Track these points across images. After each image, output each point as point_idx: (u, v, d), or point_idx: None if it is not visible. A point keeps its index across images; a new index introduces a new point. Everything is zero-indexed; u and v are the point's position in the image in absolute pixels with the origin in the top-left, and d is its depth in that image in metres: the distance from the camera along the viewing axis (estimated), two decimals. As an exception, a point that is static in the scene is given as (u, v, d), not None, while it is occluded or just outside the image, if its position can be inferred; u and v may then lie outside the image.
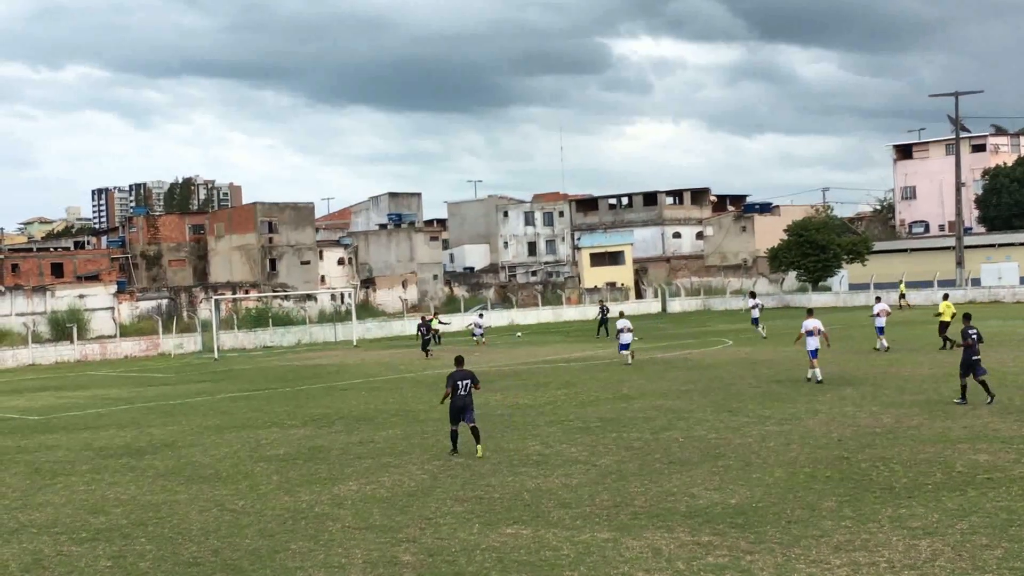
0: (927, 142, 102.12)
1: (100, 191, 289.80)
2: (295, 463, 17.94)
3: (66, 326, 59.76)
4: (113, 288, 73.83)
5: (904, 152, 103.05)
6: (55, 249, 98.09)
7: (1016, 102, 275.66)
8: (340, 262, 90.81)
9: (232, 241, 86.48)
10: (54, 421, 26.53)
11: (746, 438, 17.99)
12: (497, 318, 69.58)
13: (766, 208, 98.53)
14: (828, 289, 76.21)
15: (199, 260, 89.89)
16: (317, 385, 32.95)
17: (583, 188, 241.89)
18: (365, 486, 15.53)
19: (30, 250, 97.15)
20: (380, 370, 37.55)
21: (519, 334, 49.46)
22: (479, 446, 17.62)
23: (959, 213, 74.06)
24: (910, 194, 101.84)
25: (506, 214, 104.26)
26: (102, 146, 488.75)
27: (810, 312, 27.88)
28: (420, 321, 45.80)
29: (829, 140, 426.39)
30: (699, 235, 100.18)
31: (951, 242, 76.13)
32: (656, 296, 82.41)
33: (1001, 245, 77.98)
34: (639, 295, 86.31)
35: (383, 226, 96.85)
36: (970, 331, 20.93)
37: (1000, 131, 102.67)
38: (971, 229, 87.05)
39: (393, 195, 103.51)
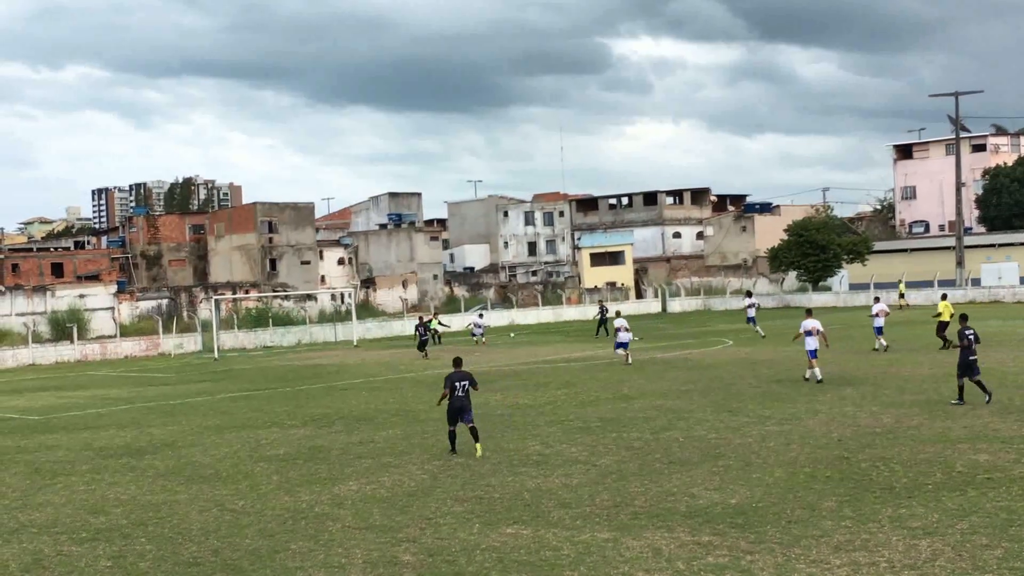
0: (927, 142, 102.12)
1: (100, 191, 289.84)
2: (295, 463, 17.94)
3: (66, 326, 59.77)
4: (113, 288, 73.85)
5: (904, 152, 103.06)
6: (55, 249, 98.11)
7: (1016, 102, 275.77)
8: (340, 262, 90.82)
9: (232, 241, 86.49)
10: (54, 421, 26.53)
11: (746, 438, 17.99)
12: (497, 318, 69.57)
13: (766, 208, 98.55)
14: (828, 289, 76.21)
15: (199, 260, 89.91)
16: (317, 385, 32.95)
17: (583, 188, 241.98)
18: (365, 486, 15.53)
19: (30, 250, 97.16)
20: (380, 370, 37.55)
21: (513, 335, 49.52)
22: (477, 445, 17.62)
23: (959, 213, 74.06)
24: (910, 194, 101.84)
25: (506, 214, 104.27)
26: (102, 146, 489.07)
27: (809, 312, 27.85)
28: (418, 321, 45.84)
29: (829, 140, 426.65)
30: (699, 235, 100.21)
31: (951, 242, 76.13)
32: (656, 296, 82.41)
33: (1001, 245, 77.98)
34: (639, 295, 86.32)
35: (383, 226, 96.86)
36: (967, 332, 20.93)
37: (1000, 131, 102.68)
38: (971, 229, 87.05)
39: (393, 195, 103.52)
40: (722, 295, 79.30)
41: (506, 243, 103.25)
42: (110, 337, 59.12)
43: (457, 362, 18.52)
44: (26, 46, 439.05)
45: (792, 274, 77.76)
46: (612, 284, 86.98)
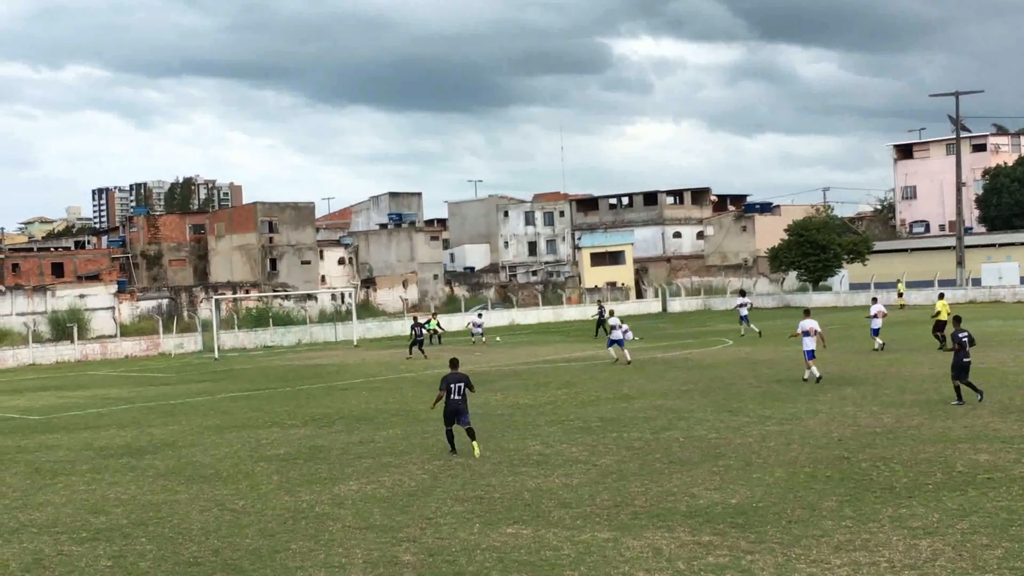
0: (927, 142, 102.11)
1: (100, 191, 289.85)
2: (295, 463, 17.94)
3: (66, 326, 59.79)
4: (113, 288, 73.86)
5: (904, 152, 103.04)
6: (55, 249, 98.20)
7: (1016, 102, 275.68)
8: (340, 262, 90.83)
9: (232, 241, 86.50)
10: (54, 421, 26.53)
11: (746, 438, 17.99)
12: (497, 318, 69.59)
13: (766, 208, 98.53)
14: (828, 289, 76.21)
15: (199, 260, 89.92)
16: (317, 385, 32.95)
17: (583, 188, 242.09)
18: (365, 486, 15.53)
19: (31, 250, 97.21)
20: (380, 370, 37.54)
21: (498, 338, 49.60)
22: (475, 444, 17.63)
23: (959, 213, 74.03)
24: (910, 194, 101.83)
25: (506, 214, 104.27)
26: (102, 146, 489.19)
27: (807, 312, 27.83)
28: (413, 321, 45.91)
29: (829, 140, 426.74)
30: (699, 235, 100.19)
31: (951, 242, 76.10)
32: (656, 296, 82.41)
33: (1001, 245, 77.96)
34: (639, 295, 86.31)
35: (383, 226, 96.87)
36: (960, 334, 20.98)
37: (1001, 131, 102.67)
38: (971, 229, 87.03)
39: (393, 195, 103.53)
40: (722, 295, 79.26)
41: (506, 243, 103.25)
42: (110, 337, 59.13)
43: (453, 363, 18.52)
44: (26, 46, 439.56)
45: (792, 274, 77.74)
46: (612, 284, 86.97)
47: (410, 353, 42.65)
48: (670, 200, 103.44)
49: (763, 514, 12.47)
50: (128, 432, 23.31)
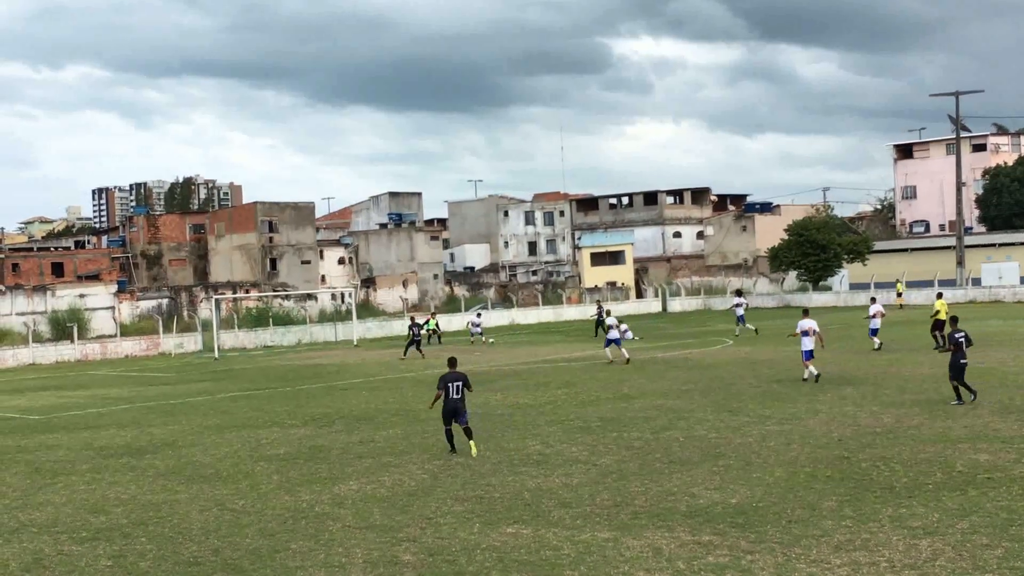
0: (927, 142, 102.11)
1: (100, 191, 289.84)
2: (295, 463, 17.94)
3: (66, 326, 59.78)
4: (113, 288, 73.86)
5: (904, 152, 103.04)
6: (55, 249, 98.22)
7: (1017, 102, 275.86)
8: (340, 262, 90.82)
9: (232, 241, 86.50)
10: (54, 420, 26.53)
11: (746, 438, 17.99)
12: (497, 318, 69.61)
13: (766, 208, 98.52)
14: (828, 289, 76.20)
15: (199, 260, 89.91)
16: (317, 385, 32.95)
17: (583, 188, 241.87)
18: (366, 486, 15.53)
19: (30, 250, 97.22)
20: (380, 370, 37.54)
21: (491, 339, 49.60)
22: (471, 442, 17.68)
23: (959, 213, 74.03)
24: (910, 194, 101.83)
25: (506, 214, 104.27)
26: (102, 146, 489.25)
27: (806, 312, 27.86)
28: (411, 321, 45.93)
29: (829, 140, 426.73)
30: (699, 235, 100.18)
31: (951, 242, 76.10)
32: (656, 296, 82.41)
33: (1001, 245, 77.96)
34: (639, 295, 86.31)
35: (383, 226, 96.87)
36: (957, 335, 21.02)
37: (1002, 130, 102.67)
38: (971, 229, 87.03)
39: (393, 195, 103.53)
40: (722, 295, 79.24)
41: (506, 243, 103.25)
42: (110, 337, 59.13)
43: (452, 362, 18.55)
44: (26, 46, 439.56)
45: (792, 274, 77.74)
46: (612, 284, 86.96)
47: (404, 354, 42.67)
48: (670, 200, 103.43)
49: (763, 514, 12.47)
50: (128, 432, 23.32)
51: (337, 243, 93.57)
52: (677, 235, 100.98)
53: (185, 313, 70.35)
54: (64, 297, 69.22)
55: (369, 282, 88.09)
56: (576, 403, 24.19)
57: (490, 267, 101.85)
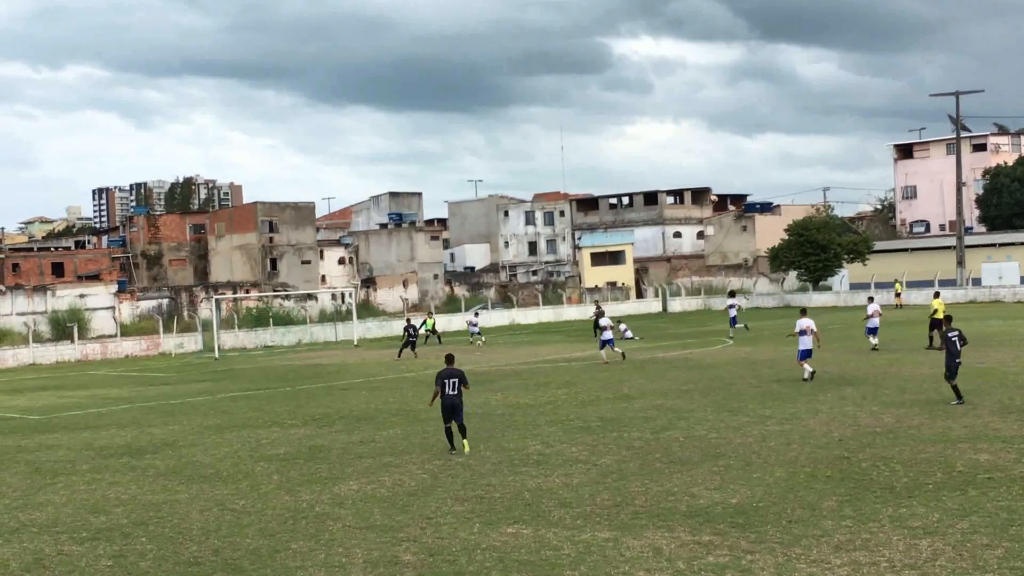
0: (928, 141, 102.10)
1: (101, 191, 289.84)
2: (296, 463, 17.94)
3: (67, 326, 59.79)
4: (114, 288, 73.87)
5: (905, 152, 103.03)
6: (56, 249, 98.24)
7: (1017, 101, 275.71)
8: (341, 262, 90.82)
9: (233, 241, 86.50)
10: (55, 421, 26.54)
11: (746, 438, 17.99)
12: (498, 318, 69.63)
13: (767, 208, 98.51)
14: (829, 289, 76.23)
15: (200, 260, 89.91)
16: (318, 385, 32.95)
17: (584, 188, 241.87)
18: (366, 485, 15.53)
19: (31, 250, 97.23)
20: (380, 370, 37.55)
21: (482, 340, 49.64)
22: (464, 440, 17.82)
23: (960, 213, 74.03)
24: (911, 194, 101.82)
25: (507, 214, 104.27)
26: (103, 146, 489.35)
27: (804, 311, 27.95)
28: (406, 323, 45.98)
29: (830, 140, 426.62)
30: (700, 235, 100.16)
31: (952, 242, 76.11)
32: (657, 296, 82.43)
33: (1002, 245, 77.96)
34: (640, 295, 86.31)
35: (384, 226, 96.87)
36: (951, 334, 21.07)
37: (1002, 130, 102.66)
38: (972, 229, 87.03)
39: (394, 195, 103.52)
40: (723, 295, 79.12)
41: (506, 243, 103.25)
42: (110, 337, 59.14)
43: (449, 359, 18.60)
44: (26, 46, 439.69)
45: (792, 274, 77.75)
46: (612, 284, 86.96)
47: (399, 355, 42.71)
48: (670, 200, 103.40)
49: (763, 514, 12.47)
50: (128, 432, 23.32)
51: (337, 243, 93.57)
52: (677, 235, 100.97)
53: (185, 313, 70.34)
54: (64, 297, 69.22)
55: (369, 282, 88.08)
56: (576, 403, 24.19)
57: (490, 267, 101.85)
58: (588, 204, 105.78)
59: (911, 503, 12.68)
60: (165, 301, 74.29)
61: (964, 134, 77.54)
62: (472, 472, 16.12)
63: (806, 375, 25.89)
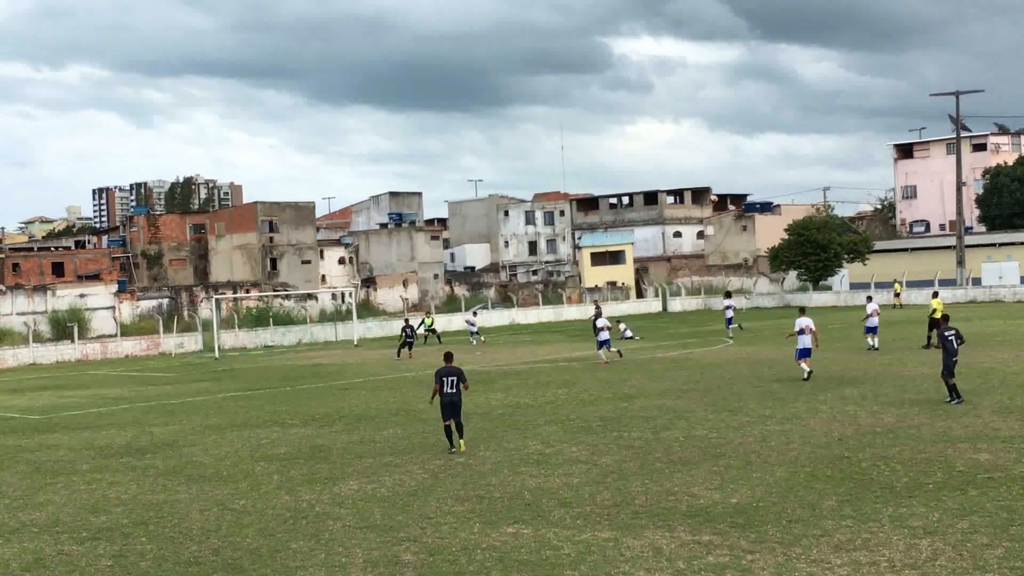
0: (928, 141, 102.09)
1: (101, 190, 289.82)
2: (296, 462, 17.94)
3: (67, 325, 59.79)
4: (114, 287, 73.86)
5: (905, 151, 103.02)
6: (56, 248, 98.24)
7: (1017, 101, 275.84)
8: (341, 261, 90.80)
9: (233, 240, 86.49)
10: (55, 420, 26.54)
11: (746, 437, 17.99)
12: (498, 317, 69.62)
13: (767, 207, 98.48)
14: (829, 288, 76.22)
15: (200, 259, 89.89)
16: (318, 384, 32.95)
17: (584, 187, 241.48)
18: (366, 485, 15.53)
19: (31, 249, 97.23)
20: (381, 369, 37.56)
21: (473, 341, 49.65)
22: (461, 440, 17.89)
23: (960, 212, 74.02)
24: (911, 193, 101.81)
25: (507, 213, 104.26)
26: (103, 146, 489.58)
27: (802, 311, 27.98)
28: (404, 323, 46.01)
29: (830, 139, 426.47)
30: (700, 234, 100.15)
31: (952, 241, 76.10)
32: (657, 295, 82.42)
33: (1002, 244, 77.96)
34: (640, 294, 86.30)
35: (384, 225, 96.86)
36: (947, 333, 21.13)
37: (1003, 130, 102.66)
38: (972, 228, 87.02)
39: (394, 194, 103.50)
40: (723, 295, 79.25)
41: (507, 242, 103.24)
42: (111, 336, 59.14)
43: (448, 357, 18.64)
44: (28, 45, 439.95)
45: (792, 273, 77.74)
46: (613, 283, 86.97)
47: (398, 355, 42.76)
48: (670, 200, 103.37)
49: (763, 514, 12.47)
50: (128, 432, 23.32)
51: (337, 243, 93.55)
52: (677, 235, 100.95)
53: (185, 313, 70.33)
54: (64, 297, 69.21)
55: (369, 282, 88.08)
56: (576, 403, 24.19)
57: (490, 267, 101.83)
58: (588, 204, 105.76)
59: (911, 503, 12.69)
60: (165, 301, 74.29)
61: (964, 134, 77.54)
62: (472, 472, 16.12)
63: (805, 375, 25.89)
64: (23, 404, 31.64)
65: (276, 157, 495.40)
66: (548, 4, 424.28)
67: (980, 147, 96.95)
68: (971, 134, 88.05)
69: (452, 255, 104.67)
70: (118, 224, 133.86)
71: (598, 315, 38.61)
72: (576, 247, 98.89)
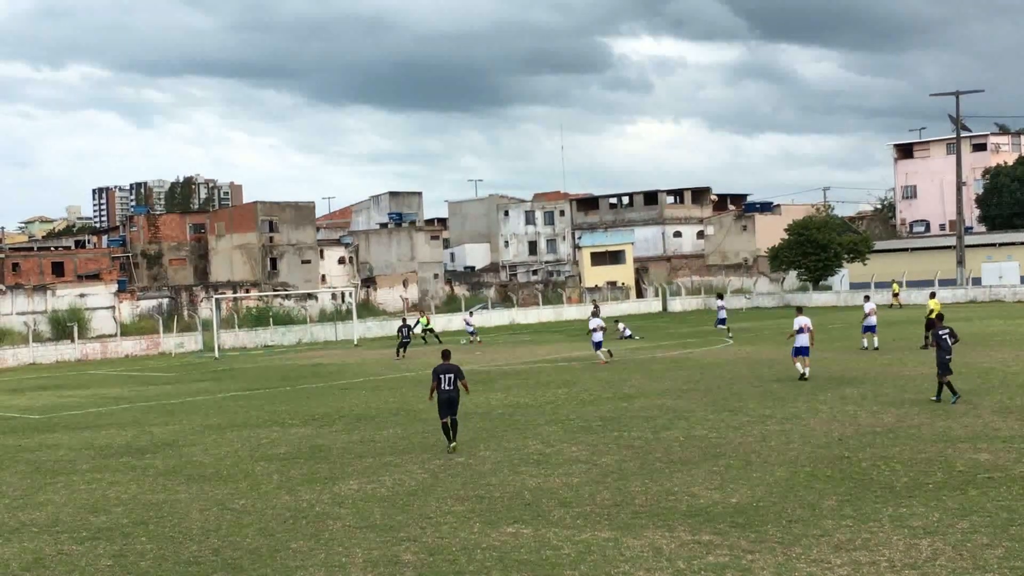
0: (928, 141, 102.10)
1: (101, 190, 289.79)
2: (296, 462, 17.94)
3: (67, 325, 59.78)
4: (114, 287, 73.85)
5: (905, 151, 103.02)
6: (56, 248, 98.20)
7: (1017, 101, 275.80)
8: (341, 261, 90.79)
9: (233, 240, 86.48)
10: (55, 420, 26.54)
11: (747, 437, 17.99)
12: (498, 317, 69.61)
13: (767, 207, 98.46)
14: (829, 288, 76.22)
15: (200, 259, 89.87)
16: (318, 384, 32.95)
17: (584, 187, 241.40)
18: (366, 485, 15.53)
19: (31, 249, 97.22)
20: (380, 369, 37.56)
21: (463, 341, 49.68)
22: (452, 443, 17.98)
23: (960, 212, 74.03)
24: (911, 193, 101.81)
25: (507, 213, 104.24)
26: (103, 145, 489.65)
27: (799, 310, 28.12)
28: (402, 322, 45.99)
29: (831, 139, 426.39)
30: (700, 234, 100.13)
31: (952, 241, 76.10)
32: (657, 295, 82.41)
33: (1002, 244, 77.99)
34: (640, 294, 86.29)
35: (384, 225, 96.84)
36: (941, 332, 21.19)
37: (1003, 130, 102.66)
38: (972, 228, 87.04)
39: (394, 194, 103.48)
40: (724, 295, 79.19)
41: (507, 242, 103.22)
42: (111, 336, 59.12)
43: (445, 355, 18.72)
44: (28, 45, 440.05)
45: (792, 273, 77.75)
46: (613, 283, 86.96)
47: (398, 355, 42.83)
48: (670, 200, 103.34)
49: (763, 513, 12.47)
50: (128, 431, 23.32)
51: (337, 243, 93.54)
52: (677, 235, 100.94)
53: (185, 313, 70.32)
54: (64, 297, 69.20)
55: (369, 282, 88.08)
56: (576, 403, 24.19)
57: (490, 267, 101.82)
58: (588, 204, 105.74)
59: (911, 503, 12.68)
60: (165, 301, 74.28)
61: (964, 134, 77.55)
62: (472, 472, 16.11)
63: (805, 374, 25.89)
64: (23, 404, 31.64)
65: (276, 157, 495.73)
66: (548, 4, 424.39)
67: (980, 147, 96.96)
68: (971, 134, 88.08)
69: (452, 255, 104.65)
70: (118, 224, 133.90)
71: (594, 314, 38.52)
72: (576, 247, 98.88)
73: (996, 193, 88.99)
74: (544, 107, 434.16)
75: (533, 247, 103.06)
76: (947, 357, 20.93)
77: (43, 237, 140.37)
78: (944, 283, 67.01)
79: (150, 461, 18.95)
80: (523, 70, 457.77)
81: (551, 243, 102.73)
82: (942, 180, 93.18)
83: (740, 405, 22.14)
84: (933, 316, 33.79)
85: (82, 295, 70.31)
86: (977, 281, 71.85)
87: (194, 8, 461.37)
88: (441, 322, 62.96)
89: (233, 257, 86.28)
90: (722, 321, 45.56)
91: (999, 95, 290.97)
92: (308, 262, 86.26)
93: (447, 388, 17.94)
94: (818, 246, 72.31)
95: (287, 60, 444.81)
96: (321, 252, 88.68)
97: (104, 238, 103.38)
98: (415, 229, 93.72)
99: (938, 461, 15.11)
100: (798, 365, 26.15)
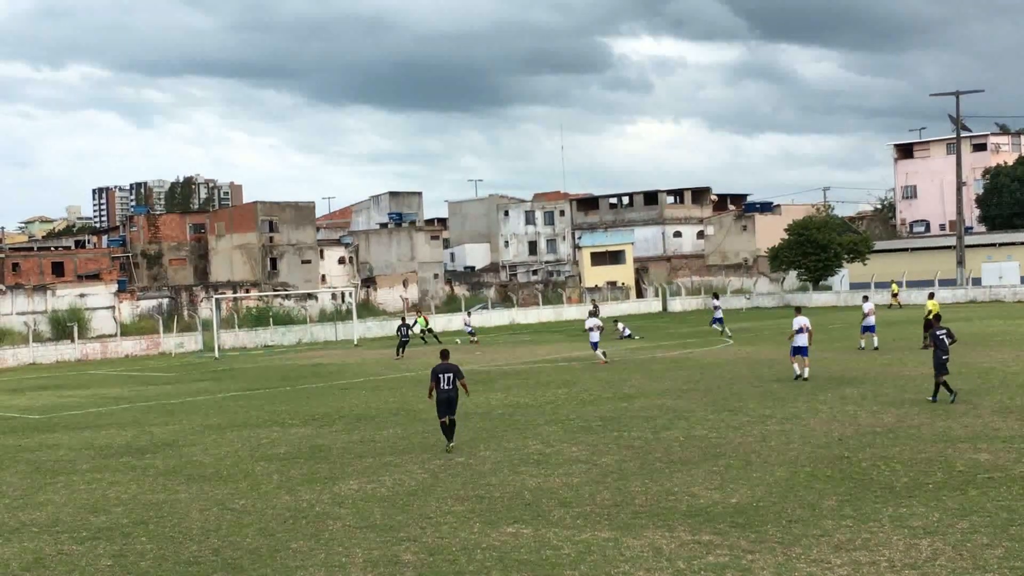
0: (928, 141, 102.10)
1: (101, 190, 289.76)
2: (296, 462, 17.94)
3: (67, 325, 59.79)
4: (114, 287, 73.86)
5: (905, 151, 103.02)
6: (56, 248, 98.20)
7: (1017, 101, 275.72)
8: (341, 261, 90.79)
9: (233, 240, 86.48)
10: (55, 420, 26.54)
11: (747, 437, 17.99)
12: (498, 317, 69.60)
13: (767, 207, 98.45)
14: (829, 288, 76.23)
15: (200, 259, 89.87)
16: (318, 384, 32.95)
17: (584, 187, 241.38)
18: (366, 485, 15.53)
19: (31, 249, 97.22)
20: (380, 369, 37.56)
21: (459, 340, 49.66)
22: (450, 444, 18.00)
23: (960, 212, 74.03)
24: (911, 193, 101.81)
25: (507, 213, 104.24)
26: (103, 145, 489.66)
27: (798, 310, 28.19)
28: (400, 322, 46.01)
29: (831, 139, 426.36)
30: (700, 234, 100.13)
31: (952, 241, 76.11)
32: (657, 295, 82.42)
33: (1002, 244, 77.99)
34: (640, 294, 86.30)
35: (384, 225, 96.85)
36: (938, 332, 21.27)
37: (1003, 130, 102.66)
38: (972, 228, 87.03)
39: (394, 194, 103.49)
40: (723, 295, 79.20)
41: (507, 242, 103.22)
42: (111, 336, 59.12)
43: (444, 354, 18.76)
44: (28, 45, 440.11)
45: (792, 273, 77.76)
46: (613, 283, 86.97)
47: (398, 355, 42.83)
48: (670, 200, 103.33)
49: (763, 513, 12.47)
50: (128, 431, 23.32)
51: (337, 243, 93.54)
52: (677, 235, 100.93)
53: (185, 313, 70.32)
54: (64, 297, 69.21)
55: (369, 282, 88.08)
56: (576, 403, 24.19)
57: (490, 267, 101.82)
58: (588, 204, 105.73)
59: (911, 503, 12.68)
60: (165, 301, 74.28)
61: (964, 134, 77.54)
62: (472, 472, 16.12)
63: (805, 375, 25.89)
64: (23, 404, 31.64)
65: (276, 157, 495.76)
66: (548, 4, 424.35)
67: (980, 147, 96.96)
68: (971, 134, 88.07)
69: (452, 255, 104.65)
70: (118, 224, 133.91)
71: (591, 314, 38.53)
72: (576, 247, 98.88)
73: (996, 193, 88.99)
74: (544, 107, 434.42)
75: (533, 247, 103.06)
76: (944, 357, 20.98)
77: (43, 237, 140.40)
78: (944, 283, 67.01)
79: (150, 461, 18.95)
80: (523, 70, 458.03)
81: (551, 243, 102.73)
82: (942, 180, 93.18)
83: (740, 405, 22.14)
84: (931, 316, 33.93)
85: (82, 295, 70.32)
86: (977, 281, 71.86)
87: (194, 8, 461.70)
88: (441, 322, 62.97)
89: (233, 257, 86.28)
90: (720, 320, 45.50)
91: (999, 95, 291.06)
92: (308, 262, 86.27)
93: (446, 388, 17.98)
94: (818, 246, 72.32)
95: (287, 60, 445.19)
96: (321, 252, 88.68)
97: (104, 238, 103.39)
98: (415, 229, 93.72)
99: (938, 461, 15.11)
100: (795, 365, 26.19)
